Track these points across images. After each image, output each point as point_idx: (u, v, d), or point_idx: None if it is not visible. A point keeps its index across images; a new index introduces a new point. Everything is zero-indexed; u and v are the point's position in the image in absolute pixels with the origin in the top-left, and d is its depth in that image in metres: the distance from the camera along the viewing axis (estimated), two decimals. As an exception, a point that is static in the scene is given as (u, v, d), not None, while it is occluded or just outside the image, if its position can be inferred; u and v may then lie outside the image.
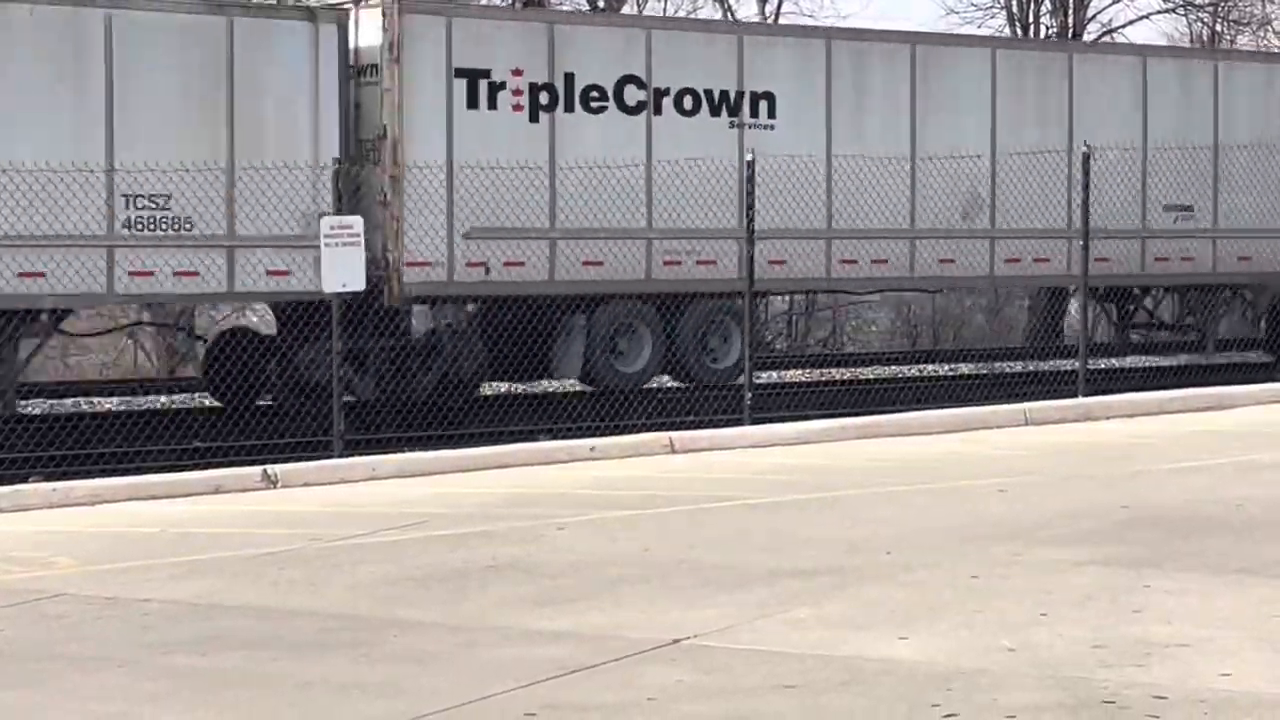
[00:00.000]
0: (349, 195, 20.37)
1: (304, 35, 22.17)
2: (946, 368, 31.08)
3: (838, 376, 29.02)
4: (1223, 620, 9.15)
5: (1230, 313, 31.24)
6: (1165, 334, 32.17)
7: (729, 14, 45.55)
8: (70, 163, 20.46)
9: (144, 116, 21.20)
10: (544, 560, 11.39)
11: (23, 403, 23.71)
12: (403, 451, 17.89)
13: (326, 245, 17.31)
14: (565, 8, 43.18)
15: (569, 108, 23.94)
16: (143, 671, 8.77)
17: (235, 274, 21.80)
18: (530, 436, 20.66)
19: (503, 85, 23.46)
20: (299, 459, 17.11)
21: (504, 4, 38.85)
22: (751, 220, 19.78)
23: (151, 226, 21.28)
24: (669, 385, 27.42)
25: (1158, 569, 10.53)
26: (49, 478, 16.88)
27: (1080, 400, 20.17)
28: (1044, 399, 20.47)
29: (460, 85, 23.18)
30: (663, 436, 17.38)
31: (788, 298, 38.19)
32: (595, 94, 24.14)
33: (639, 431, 18.63)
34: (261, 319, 29.50)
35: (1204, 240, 28.84)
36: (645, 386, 25.05)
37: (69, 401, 25.96)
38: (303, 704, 8.17)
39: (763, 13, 45.47)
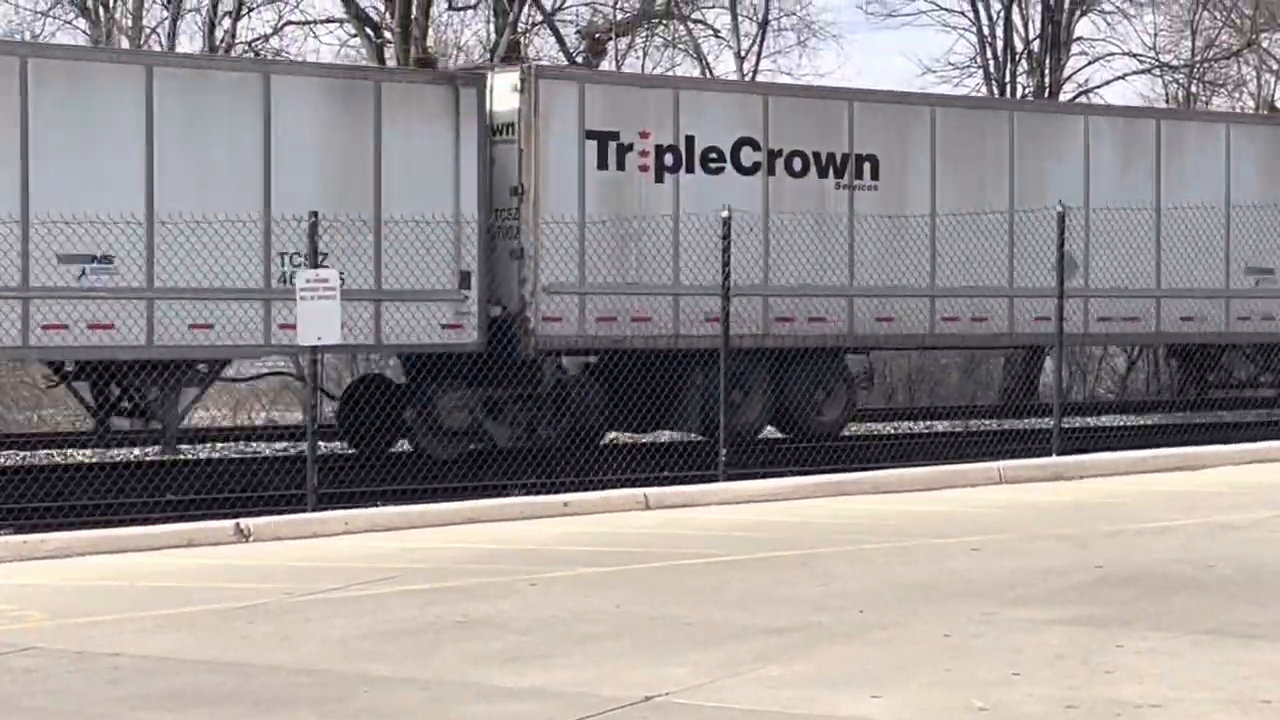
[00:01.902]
0: None
1: None
2: (921, 425, 31.09)
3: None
4: (1194, 681, 9.15)
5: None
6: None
7: (706, 71, 45.74)
8: None
9: None
10: (516, 616, 11.37)
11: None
12: (375, 506, 17.84)
13: (302, 299, 17.21)
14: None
15: None
16: (111, 726, 8.73)
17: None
18: (504, 491, 20.62)
19: None
20: (272, 513, 17.05)
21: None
22: (727, 277, 19.78)
23: None
24: (645, 441, 27.40)
25: (1129, 628, 10.53)
26: (19, 530, 16.82)
27: (1054, 459, 20.21)
28: (1018, 458, 20.53)
29: None
30: (636, 493, 17.37)
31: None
32: None
33: (613, 487, 18.62)
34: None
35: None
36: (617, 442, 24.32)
37: (41, 453, 25.89)
38: (271, 760, 8.13)
39: (741, 70, 45.65)
